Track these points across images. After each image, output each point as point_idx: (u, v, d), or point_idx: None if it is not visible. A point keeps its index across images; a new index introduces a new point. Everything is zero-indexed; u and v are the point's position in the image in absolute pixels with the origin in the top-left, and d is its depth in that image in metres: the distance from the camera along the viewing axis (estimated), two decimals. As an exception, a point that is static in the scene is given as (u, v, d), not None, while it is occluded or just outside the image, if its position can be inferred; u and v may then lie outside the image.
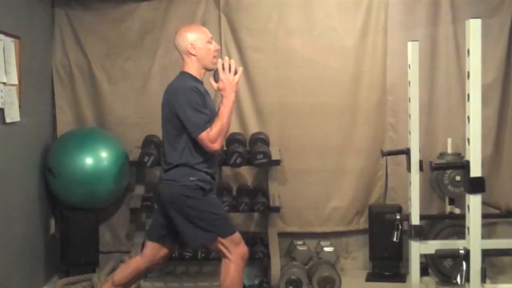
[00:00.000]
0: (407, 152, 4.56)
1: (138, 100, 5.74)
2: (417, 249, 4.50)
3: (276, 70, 5.72)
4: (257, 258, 5.34)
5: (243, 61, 5.69)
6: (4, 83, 4.44)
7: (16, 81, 4.66)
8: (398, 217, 4.73)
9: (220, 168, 5.65)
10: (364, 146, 5.76)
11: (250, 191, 5.55)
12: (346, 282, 5.26)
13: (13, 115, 4.62)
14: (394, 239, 4.69)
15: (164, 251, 4.02)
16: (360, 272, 5.71)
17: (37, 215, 5.26)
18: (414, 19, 5.72)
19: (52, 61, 5.67)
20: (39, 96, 5.44)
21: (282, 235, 5.66)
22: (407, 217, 4.61)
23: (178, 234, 3.92)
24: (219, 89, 3.83)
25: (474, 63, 3.15)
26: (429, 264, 5.37)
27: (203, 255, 5.28)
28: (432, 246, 4.44)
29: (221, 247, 3.85)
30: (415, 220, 4.49)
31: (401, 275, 5.50)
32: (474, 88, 3.14)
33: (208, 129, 3.71)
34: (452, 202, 5.51)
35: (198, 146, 3.76)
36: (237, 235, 3.90)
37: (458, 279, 3.17)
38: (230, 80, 3.80)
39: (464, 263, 3.17)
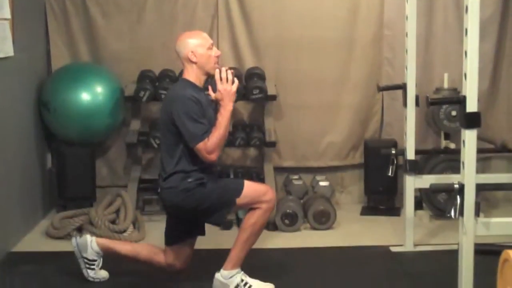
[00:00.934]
0: (403, 87, 4.55)
1: (133, 35, 5.68)
2: (412, 184, 4.54)
3: (272, 4, 5.65)
4: (253, 193, 5.38)
5: (240, -6, 5.64)
6: (-4, 17, 4.40)
7: (9, 15, 4.61)
8: (393, 151, 4.74)
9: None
10: (360, 81, 5.74)
11: (246, 126, 5.55)
12: (341, 216, 5.32)
13: (6, 49, 4.58)
14: (389, 174, 4.71)
15: (183, 254, 3.97)
16: (355, 206, 5.76)
17: (33, 150, 5.27)
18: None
19: (45, -5, 5.60)
20: (33, 31, 5.38)
21: (278, 169, 5.70)
22: (402, 152, 4.62)
23: (193, 230, 3.97)
24: (217, 99, 3.79)
25: (472, -4, 3.11)
26: (423, 198, 5.43)
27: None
28: (427, 180, 4.47)
29: (247, 205, 3.87)
30: (410, 154, 4.51)
31: (395, 209, 5.56)
32: (472, 22, 3.11)
33: (206, 139, 3.68)
34: (447, 137, 5.53)
35: (195, 155, 3.74)
36: (256, 187, 3.91)
37: (452, 213, 3.20)
38: (228, 90, 3.76)
39: (458, 197, 3.19)
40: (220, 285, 3.84)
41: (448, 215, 3.22)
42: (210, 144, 3.69)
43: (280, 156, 5.79)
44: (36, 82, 5.36)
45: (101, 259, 4.06)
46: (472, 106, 3.15)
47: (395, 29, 5.60)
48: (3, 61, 4.55)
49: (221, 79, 3.77)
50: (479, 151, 3.40)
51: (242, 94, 5.30)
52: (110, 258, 4.10)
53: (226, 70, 3.80)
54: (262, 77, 5.51)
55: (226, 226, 5.02)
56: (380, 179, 5.37)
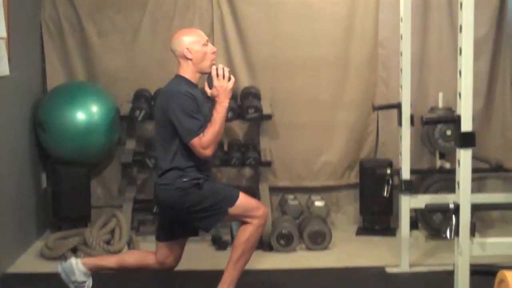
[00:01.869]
0: (398, 106, 4.56)
1: (129, 54, 5.69)
2: (407, 204, 4.53)
3: (268, 24, 5.67)
4: (248, 212, 5.37)
5: (235, 14, 5.65)
6: (-8, 36, 4.40)
7: (4, 34, 4.61)
8: (388, 171, 4.76)
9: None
10: (355, 100, 5.74)
11: (242, 146, 5.55)
12: (336, 236, 5.30)
13: (2, 68, 4.58)
14: (385, 194, 4.71)
15: (174, 252, 3.96)
16: (351, 226, 5.75)
17: (28, 170, 5.25)
18: (407, -28, 5.66)
19: (41, 14, 5.60)
20: (29, 50, 5.39)
21: (273, 189, 5.68)
22: (397, 172, 4.62)
23: (185, 230, 3.94)
24: (212, 96, 3.79)
25: (466, 16, 3.13)
26: (419, 218, 5.42)
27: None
28: (422, 200, 4.46)
29: (238, 217, 3.85)
30: (406, 174, 4.50)
31: (391, 229, 5.54)
32: (466, 42, 3.13)
33: (201, 135, 3.67)
34: (442, 156, 5.53)
35: (190, 151, 3.73)
36: (248, 200, 3.88)
37: (448, 233, 3.20)
38: (224, 86, 3.76)
39: (453, 217, 3.19)
40: None
41: (444, 235, 3.22)
42: (205, 140, 3.68)
43: (275, 175, 5.78)
44: (32, 101, 5.35)
45: (91, 279, 4.01)
46: (467, 125, 3.15)
47: (389, 48, 5.62)
48: (-2, 80, 4.55)
49: (217, 75, 3.77)
50: (474, 170, 3.40)
51: (237, 114, 5.30)
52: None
53: (223, 67, 3.80)
54: (257, 96, 5.51)
55: (221, 246, 5.00)
56: (375, 199, 5.37)
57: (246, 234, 3.80)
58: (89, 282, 4.02)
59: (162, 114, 3.77)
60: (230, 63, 5.68)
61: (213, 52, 3.89)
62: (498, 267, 3.89)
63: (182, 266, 4.01)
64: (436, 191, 5.25)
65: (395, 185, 4.85)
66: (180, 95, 3.71)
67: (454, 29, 5.35)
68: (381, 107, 5.20)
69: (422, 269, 4.66)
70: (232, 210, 3.80)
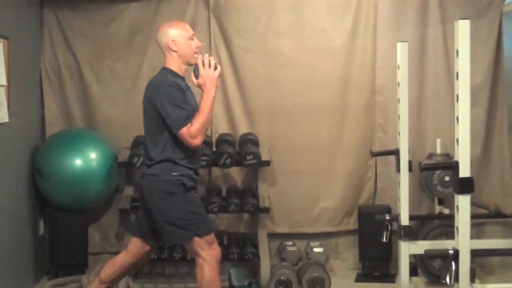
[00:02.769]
0: (396, 152, 4.57)
1: (127, 101, 5.72)
2: (407, 250, 4.51)
3: (266, 71, 5.72)
4: (247, 259, 5.34)
5: (233, 61, 5.70)
6: (-8, 84, 4.43)
7: (4, 82, 4.64)
8: (387, 217, 4.73)
9: (209, 169, 5.65)
10: (354, 147, 5.77)
11: (240, 192, 5.54)
12: (335, 283, 5.26)
13: (1, 115, 4.60)
14: (384, 240, 4.69)
15: (147, 246, 4.02)
16: (350, 273, 5.71)
17: (25, 216, 5.24)
18: (403, 20, 5.73)
19: (41, 62, 5.66)
20: (28, 97, 5.42)
21: (271, 235, 5.66)
22: (396, 218, 4.61)
23: (157, 233, 3.94)
24: (199, 85, 3.82)
25: (463, 64, 3.15)
26: (418, 264, 5.39)
27: (193, 256, 5.25)
28: (421, 246, 4.45)
29: (197, 247, 3.83)
30: (405, 220, 4.49)
31: (390, 276, 5.51)
32: (463, 88, 3.15)
33: (189, 124, 3.70)
34: (441, 202, 5.53)
35: (179, 142, 3.75)
36: (211, 236, 3.89)
37: (447, 279, 3.18)
38: (210, 75, 3.80)
39: (453, 263, 3.17)
40: None
41: (444, 281, 3.20)
42: (193, 129, 3.69)
43: (273, 222, 5.76)
44: (30, 148, 5.36)
45: None
46: (465, 171, 3.16)
47: (387, 95, 5.66)
48: (-3, 127, 4.57)
49: (203, 64, 3.79)
50: (473, 216, 3.40)
51: (236, 160, 5.31)
52: None
53: (209, 57, 3.82)
54: (255, 143, 5.53)
55: None
56: (374, 245, 5.34)
57: (205, 278, 3.81)
58: None
59: (150, 105, 3.80)
60: (228, 109, 5.72)
61: (198, 47, 3.93)
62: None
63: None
64: (435, 237, 5.23)
65: (394, 231, 4.83)
66: (166, 85, 3.74)
67: (451, 76, 5.45)
68: (379, 154, 5.21)
69: (423, 316, 4.63)
70: (197, 240, 3.81)
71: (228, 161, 5.28)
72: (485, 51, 5.66)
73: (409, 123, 4.53)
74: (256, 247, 5.35)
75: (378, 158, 5.67)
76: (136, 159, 5.26)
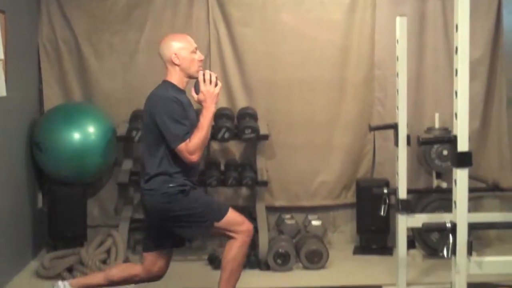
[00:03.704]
0: (394, 126, 4.57)
1: (125, 75, 5.71)
2: (404, 223, 4.53)
3: (264, 45, 5.71)
4: (245, 232, 5.36)
5: (231, 35, 5.69)
6: (-10, 58, 4.42)
7: (2, 56, 4.63)
8: (385, 191, 4.74)
9: (208, 143, 5.65)
10: (352, 121, 5.77)
11: (238, 166, 5.56)
12: (333, 255, 5.30)
13: (-1, 89, 4.60)
14: (381, 213, 4.71)
15: (161, 261, 3.96)
16: (348, 246, 5.75)
17: (24, 189, 5.26)
18: (402, -6, 5.71)
19: (39, 36, 5.64)
20: (26, 71, 5.41)
21: (270, 209, 5.69)
22: (394, 191, 4.62)
23: (173, 239, 3.93)
24: (199, 101, 3.79)
25: (462, 38, 3.14)
26: (415, 238, 5.42)
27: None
28: (419, 219, 4.46)
29: (222, 231, 3.84)
30: (402, 194, 4.51)
31: (388, 248, 5.55)
32: (462, 63, 3.14)
33: (187, 140, 3.68)
34: (439, 176, 5.55)
35: (177, 156, 3.73)
36: (235, 215, 3.88)
37: (445, 252, 3.19)
38: (211, 91, 3.76)
39: (450, 236, 3.19)
40: None
41: (441, 254, 3.21)
42: (192, 145, 3.68)
43: (272, 195, 5.78)
44: (29, 122, 5.36)
45: None
46: (463, 145, 3.16)
47: (386, 69, 5.65)
48: (-4, 101, 4.56)
49: (204, 80, 3.78)
50: (471, 190, 3.40)
51: (234, 134, 5.31)
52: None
53: (210, 73, 3.81)
54: (254, 117, 5.53)
55: (218, 265, 4.98)
56: (372, 218, 5.37)
57: (232, 252, 3.80)
58: None
59: (149, 119, 3.78)
60: (227, 84, 5.70)
61: (201, 60, 3.91)
62: (495, 285, 3.91)
63: (179, 285, 3.99)
64: (433, 211, 5.25)
65: (392, 204, 4.85)
66: (167, 100, 3.72)
67: (450, 50, 5.44)
68: (378, 128, 5.21)
69: (419, 288, 4.66)
70: (218, 224, 3.80)
71: (226, 135, 5.28)
72: (485, 25, 5.65)
73: (407, 97, 4.52)
74: (254, 220, 5.37)
75: (377, 132, 5.68)
76: (134, 132, 5.26)
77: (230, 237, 3.83)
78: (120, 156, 5.63)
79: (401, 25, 4.46)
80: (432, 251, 5.30)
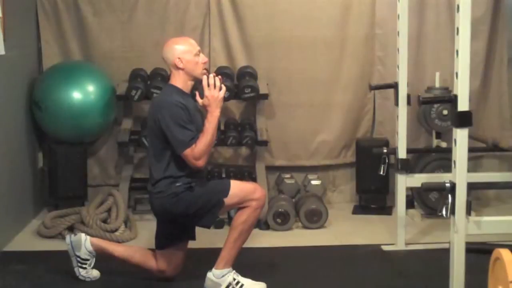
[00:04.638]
0: (395, 86, 4.56)
1: (125, 33, 5.67)
2: (404, 182, 4.54)
3: (264, 3, 5.66)
4: (245, 192, 5.38)
5: (231, -7, 5.64)
6: (-13, 16, 4.38)
7: (0, 14, 4.59)
8: (385, 150, 4.75)
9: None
10: (352, 80, 5.75)
11: (238, 125, 5.55)
12: (333, 215, 5.33)
13: (-3, 48, 4.56)
14: (381, 173, 4.72)
15: (176, 259, 3.98)
16: (347, 205, 5.78)
17: (24, 149, 5.25)
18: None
19: (36, -6, 5.58)
20: (24, 29, 5.36)
21: (269, 168, 5.70)
22: (394, 151, 4.63)
23: (184, 233, 3.97)
24: (204, 105, 3.78)
25: (464, -4, 3.11)
26: (415, 197, 5.45)
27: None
28: (418, 179, 4.47)
29: (237, 204, 3.85)
30: (402, 153, 4.51)
31: (387, 208, 5.57)
32: (464, 21, 3.12)
33: (193, 145, 3.67)
34: (439, 136, 5.54)
35: (183, 161, 3.74)
36: (243, 186, 3.90)
37: (444, 212, 3.21)
38: (215, 96, 3.75)
39: (449, 196, 3.20)
40: (212, 284, 3.84)
41: (440, 214, 3.23)
42: (197, 151, 3.69)
43: (272, 155, 5.79)
44: (27, 80, 5.34)
45: (94, 259, 4.05)
46: (463, 105, 3.15)
47: (386, 28, 5.61)
48: (-6, 59, 4.54)
49: (208, 85, 3.77)
50: (471, 150, 3.41)
51: (234, 93, 5.29)
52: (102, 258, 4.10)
53: (214, 77, 3.79)
54: (254, 76, 5.51)
55: (218, 225, 5.02)
56: (372, 178, 5.38)
57: (244, 215, 3.81)
58: (91, 261, 4.04)
59: (154, 124, 3.78)
60: (226, 43, 5.68)
61: (204, 62, 3.89)
62: (494, 245, 3.93)
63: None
64: (433, 170, 5.26)
65: (391, 164, 4.86)
66: (172, 105, 3.71)
67: (451, 9, 5.40)
68: (378, 87, 5.20)
69: (418, 247, 4.68)
70: (228, 200, 3.81)
71: (226, 94, 5.23)
72: (487, -17, 5.60)
73: (408, 57, 4.50)
74: (254, 179, 5.38)
75: (377, 91, 5.66)
76: (134, 91, 5.24)
77: (242, 207, 3.83)
78: (120, 115, 5.62)
79: (402, -17, 4.42)
80: (431, 211, 5.32)
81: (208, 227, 3.96)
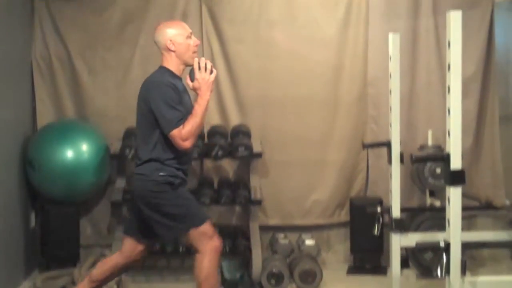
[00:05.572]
0: (388, 144, 4.57)
1: (119, 92, 5.70)
2: (398, 242, 4.51)
3: (258, 62, 5.71)
4: (239, 252, 5.33)
5: (225, 52, 5.69)
6: (-18, 75, 4.40)
7: (-6, 73, 4.62)
8: (379, 210, 4.73)
9: (201, 161, 5.64)
10: (345, 139, 5.76)
11: (232, 184, 5.53)
12: (327, 275, 5.27)
13: (-9, 107, 4.58)
14: (375, 232, 4.69)
15: (141, 246, 3.99)
16: (342, 265, 5.72)
17: (17, 208, 5.21)
18: (395, 11, 5.72)
19: (32, 53, 5.62)
20: (19, 88, 5.38)
21: (263, 228, 5.65)
22: (388, 210, 4.61)
23: (152, 231, 3.91)
24: (194, 88, 3.81)
25: (454, 55, 3.15)
26: (409, 257, 5.40)
27: (184, 249, 5.25)
28: (412, 238, 4.44)
29: (195, 240, 3.80)
30: (396, 212, 4.49)
31: (382, 268, 5.52)
32: (455, 80, 3.14)
33: (181, 126, 3.69)
34: (432, 194, 5.53)
35: (170, 142, 3.74)
36: (209, 228, 3.86)
37: (439, 272, 3.18)
38: (206, 79, 3.79)
39: (444, 255, 3.17)
40: None
41: (435, 274, 3.20)
42: (185, 131, 3.69)
43: (265, 214, 5.76)
44: (21, 139, 5.33)
45: None
46: (456, 163, 3.15)
47: (379, 87, 5.65)
48: (-13, 118, 4.54)
49: (199, 68, 3.78)
50: (464, 208, 3.39)
51: (227, 152, 5.30)
52: None
53: (205, 60, 3.81)
54: (247, 134, 5.52)
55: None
56: (366, 237, 5.34)
57: (203, 272, 3.77)
58: None
59: (144, 103, 3.79)
60: (220, 101, 5.71)
61: (196, 45, 3.92)
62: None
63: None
64: (427, 229, 5.23)
65: (385, 223, 4.83)
66: (163, 85, 3.74)
67: (442, 68, 5.44)
68: (371, 145, 5.21)
69: (414, 308, 4.64)
70: (193, 232, 3.78)
71: (220, 153, 5.26)
72: (477, 42, 5.66)
73: (400, 115, 4.52)
74: (248, 239, 5.34)
75: (370, 150, 5.67)
76: (127, 150, 5.24)
77: (197, 250, 3.80)
78: (114, 174, 5.60)
79: (394, 42, 4.48)
80: (426, 271, 5.27)
81: (164, 241, 3.93)
